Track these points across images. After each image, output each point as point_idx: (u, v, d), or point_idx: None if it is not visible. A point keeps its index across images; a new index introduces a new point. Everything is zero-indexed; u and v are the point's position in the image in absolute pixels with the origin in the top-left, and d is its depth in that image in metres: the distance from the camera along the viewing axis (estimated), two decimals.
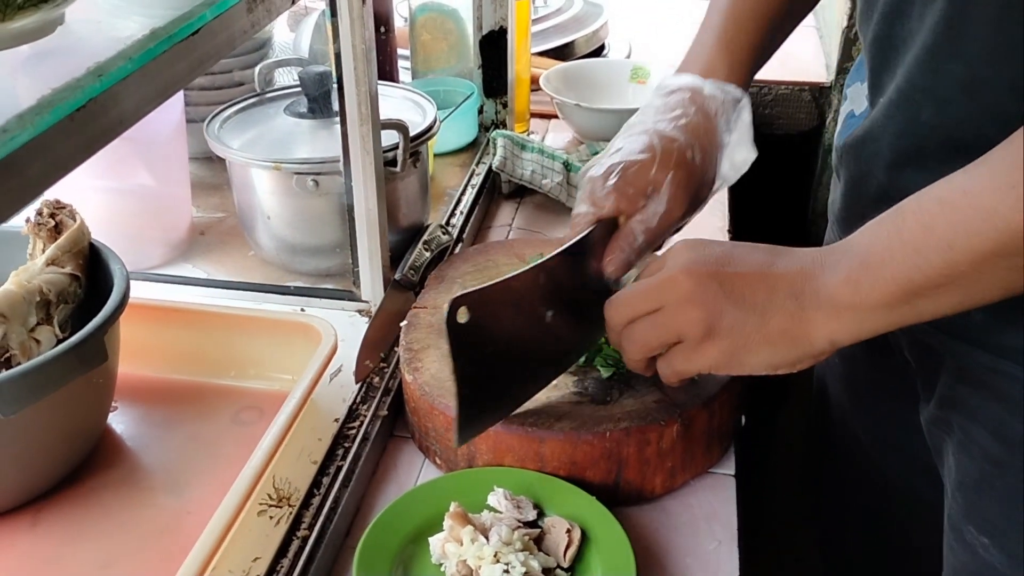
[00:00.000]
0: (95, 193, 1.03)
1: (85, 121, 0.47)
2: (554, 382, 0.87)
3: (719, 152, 0.84)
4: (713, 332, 0.69)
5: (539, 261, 0.78)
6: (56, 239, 0.84)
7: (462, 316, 0.72)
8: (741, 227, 1.37)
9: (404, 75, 1.50)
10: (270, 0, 0.65)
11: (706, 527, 0.82)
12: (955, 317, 0.66)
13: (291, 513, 0.77)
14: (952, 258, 0.61)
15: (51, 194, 0.87)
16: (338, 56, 0.90)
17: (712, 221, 1.30)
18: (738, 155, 0.84)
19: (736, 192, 1.41)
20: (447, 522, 0.76)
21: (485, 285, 0.75)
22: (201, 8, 0.58)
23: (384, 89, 1.11)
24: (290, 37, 1.50)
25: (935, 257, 0.62)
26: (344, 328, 0.96)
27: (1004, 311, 0.69)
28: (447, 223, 1.20)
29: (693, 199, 0.83)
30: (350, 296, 1.05)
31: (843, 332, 0.67)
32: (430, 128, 1.11)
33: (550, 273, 0.78)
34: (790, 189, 1.85)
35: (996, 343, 0.75)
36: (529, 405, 0.84)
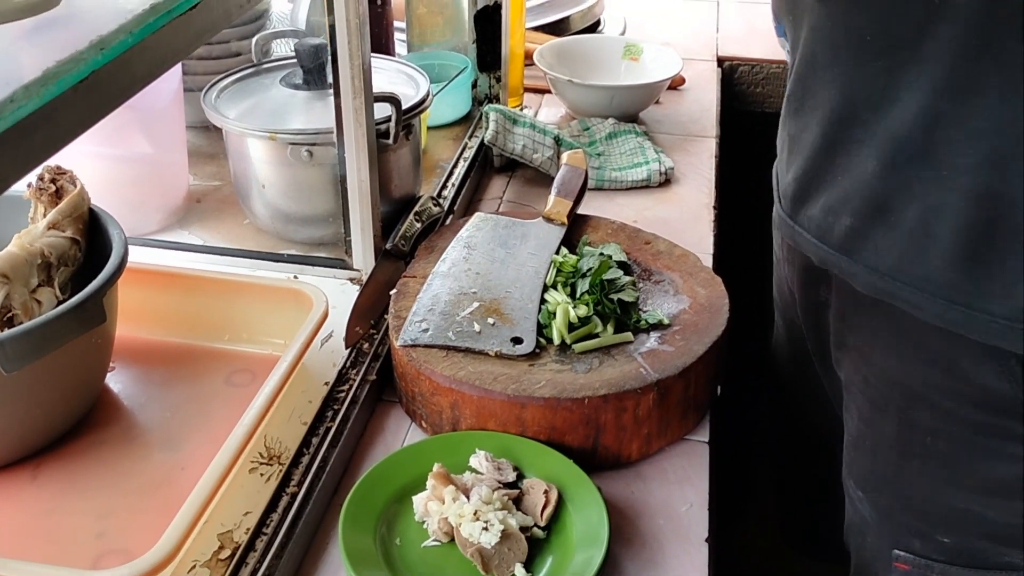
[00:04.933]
0: (95, 160, 1.05)
1: (88, 92, 0.49)
2: (536, 351, 0.90)
3: None
4: None
5: None
6: (57, 204, 0.87)
7: None
8: (726, 203, 1.39)
9: (400, 48, 1.51)
10: None
11: (679, 491, 0.86)
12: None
13: (281, 471, 0.80)
14: None
15: (52, 160, 0.89)
16: (332, 29, 0.92)
17: (698, 197, 1.33)
18: None
19: (722, 168, 1.43)
20: (430, 482, 0.79)
21: None
22: None
23: (378, 62, 1.13)
24: (287, 8, 1.52)
25: None
26: (335, 295, 0.99)
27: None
28: (439, 195, 1.22)
29: None
30: (342, 264, 1.08)
31: None
32: (423, 101, 1.13)
33: None
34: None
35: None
36: (512, 373, 0.87)
